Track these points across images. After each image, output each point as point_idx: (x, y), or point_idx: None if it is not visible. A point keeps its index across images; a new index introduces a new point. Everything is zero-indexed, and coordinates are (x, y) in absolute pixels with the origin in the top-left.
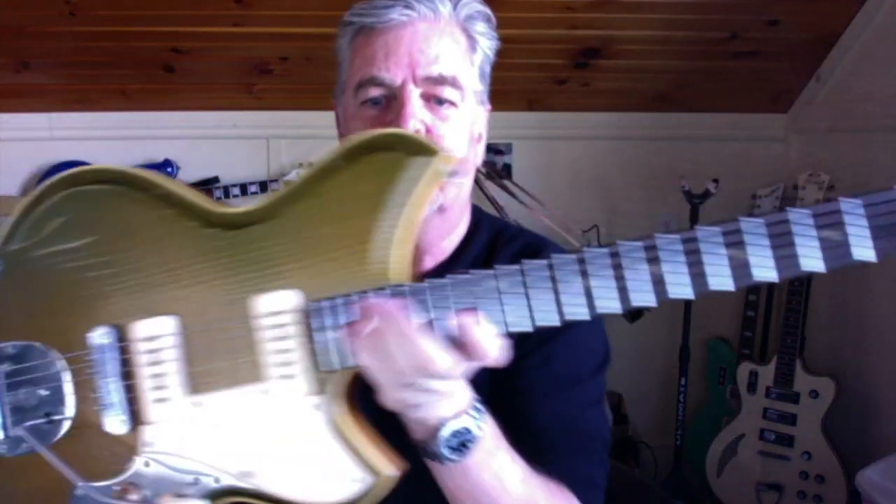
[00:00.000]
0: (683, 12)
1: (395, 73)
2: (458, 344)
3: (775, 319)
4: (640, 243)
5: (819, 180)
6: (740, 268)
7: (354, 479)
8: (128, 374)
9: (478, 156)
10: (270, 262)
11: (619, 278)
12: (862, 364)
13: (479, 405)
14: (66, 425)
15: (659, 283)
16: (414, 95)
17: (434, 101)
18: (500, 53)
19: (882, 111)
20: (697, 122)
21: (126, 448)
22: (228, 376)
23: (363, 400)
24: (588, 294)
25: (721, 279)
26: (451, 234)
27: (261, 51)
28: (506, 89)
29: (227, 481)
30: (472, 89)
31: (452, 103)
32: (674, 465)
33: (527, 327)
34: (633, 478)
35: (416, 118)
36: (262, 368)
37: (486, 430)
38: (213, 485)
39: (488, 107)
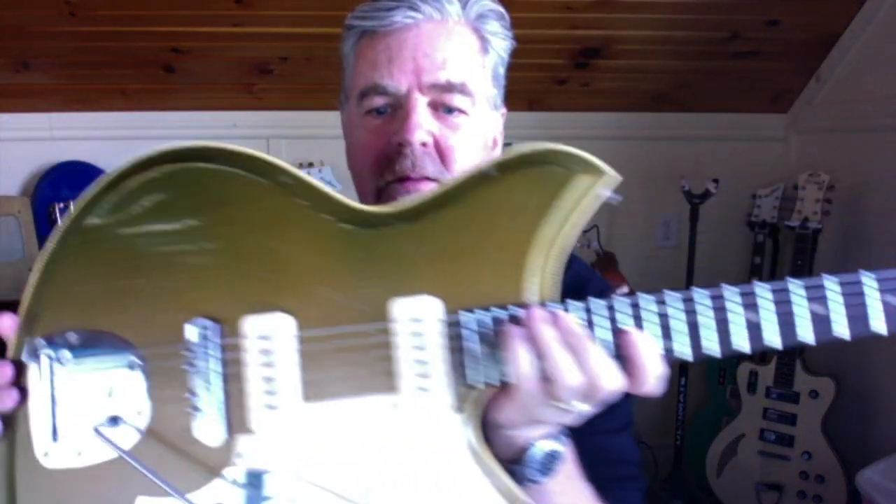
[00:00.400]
0: (683, 12)
1: (399, 81)
2: (622, 364)
3: None
4: (803, 282)
5: (819, 180)
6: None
7: None
8: (229, 374)
9: None
10: (410, 266)
11: (784, 314)
12: (862, 364)
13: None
14: (137, 431)
15: (819, 322)
16: (420, 104)
17: (442, 109)
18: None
19: (882, 111)
20: (697, 122)
21: (214, 460)
22: (351, 385)
23: None
24: (754, 328)
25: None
26: None
27: (261, 51)
28: (506, 89)
29: (333, 501)
30: (485, 94)
31: (462, 111)
32: (674, 465)
33: (687, 356)
34: None
35: (423, 129)
36: (395, 378)
37: (567, 453)
38: None
39: (503, 110)
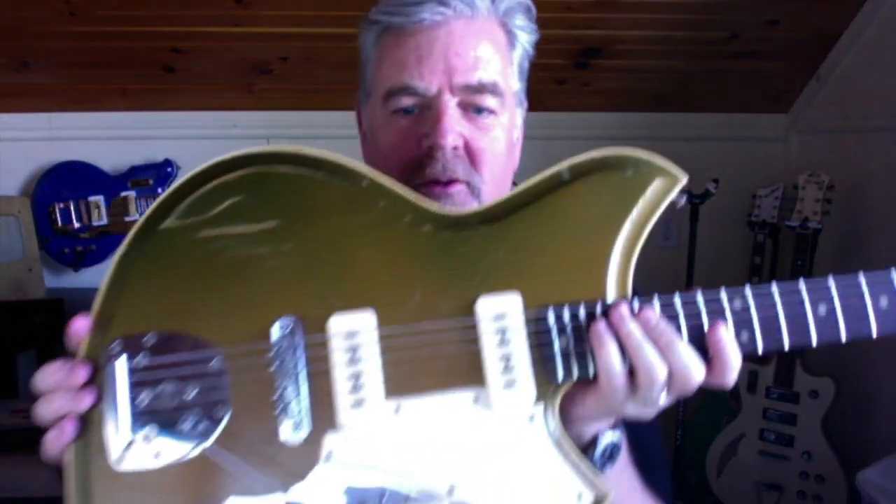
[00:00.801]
0: (683, 12)
1: (429, 82)
2: (704, 357)
3: None
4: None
5: (819, 180)
6: None
7: (579, 496)
8: (314, 371)
9: (515, 160)
10: (492, 266)
11: (853, 307)
12: (862, 364)
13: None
14: (215, 432)
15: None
16: (451, 106)
17: (472, 109)
18: None
19: (882, 111)
20: (697, 122)
21: (300, 458)
22: (435, 380)
23: None
24: (824, 320)
25: None
26: None
27: (261, 51)
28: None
29: (420, 497)
30: (512, 91)
31: (493, 112)
32: (674, 466)
33: (760, 349)
34: None
35: (455, 132)
36: (480, 373)
37: (624, 444)
38: (402, 502)
39: (525, 104)
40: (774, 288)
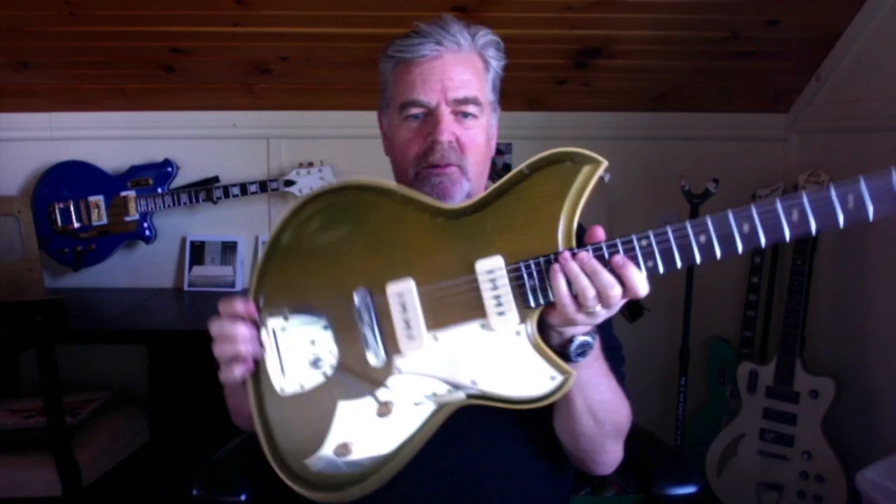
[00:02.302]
0: (683, 12)
1: (430, 97)
2: (620, 282)
3: (775, 319)
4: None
5: (819, 180)
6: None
7: (552, 377)
8: (381, 320)
9: (492, 149)
10: (484, 238)
11: (724, 235)
12: (862, 364)
13: (595, 329)
14: (332, 365)
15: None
16: (446, 114)
17: (460, 115)
18: None
19: (882, 111)
20: (697, 122)
21: (381, 374)
22: (457, 316)
23: None
24: (705, 246)
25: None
26: None
27: (261, 51)
28: (506, 89)
29: (458, 388)
30: (487, 101)
31: (475, 116)
32: None
33: (663, 270)
34: None
35: (449, 131)
36: (483, 309)
37: (597, 343)
38: (447, 393)
39: (498, 109)
40: (668, 227)
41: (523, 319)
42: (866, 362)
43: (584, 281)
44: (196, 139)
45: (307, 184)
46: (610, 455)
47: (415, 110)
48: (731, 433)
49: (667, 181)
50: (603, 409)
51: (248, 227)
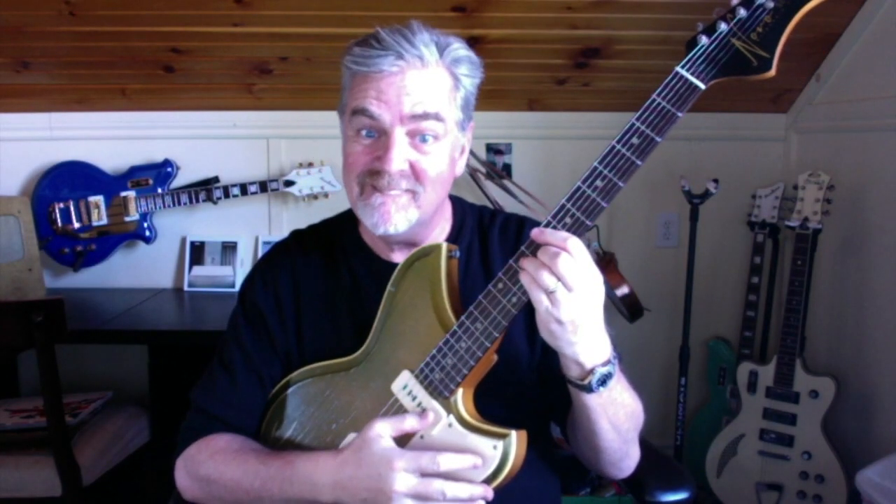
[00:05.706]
0: (683, 12)
1: (384, 112)
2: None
3: (775, 319)
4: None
5: (819, 180)
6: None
7: (494, 447)
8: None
9: (458, 168)
10: (389, 363)
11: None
12: (862, 364)
13: (614, 353)
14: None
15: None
16: (399, 136)
17: (418, 137)
18: (499, 53)
19: (882, 111)
20: (697, 122)
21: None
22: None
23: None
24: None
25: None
26: (435, 230)
27: (261, 51)
28: (506, 89)
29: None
30: (454, 119)
31: (435, 137)
32: None
33: (584, 227)
34: None
35: (400, 158)
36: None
37: (616, 370)
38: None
39: (472, 123)
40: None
41: (449, 410)
42: (866, 362)
43: (538, 271)
44: (196, 139)
45: (307, 184)
46: (632, 458)
47: (366, 121)
48: (731, 433)
49: (667, 181)
50: (626, 418)
51: (247, 227)
